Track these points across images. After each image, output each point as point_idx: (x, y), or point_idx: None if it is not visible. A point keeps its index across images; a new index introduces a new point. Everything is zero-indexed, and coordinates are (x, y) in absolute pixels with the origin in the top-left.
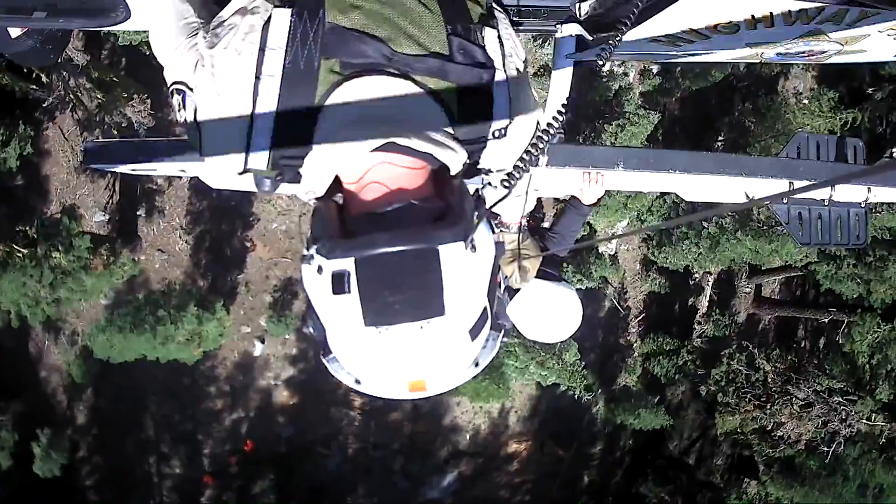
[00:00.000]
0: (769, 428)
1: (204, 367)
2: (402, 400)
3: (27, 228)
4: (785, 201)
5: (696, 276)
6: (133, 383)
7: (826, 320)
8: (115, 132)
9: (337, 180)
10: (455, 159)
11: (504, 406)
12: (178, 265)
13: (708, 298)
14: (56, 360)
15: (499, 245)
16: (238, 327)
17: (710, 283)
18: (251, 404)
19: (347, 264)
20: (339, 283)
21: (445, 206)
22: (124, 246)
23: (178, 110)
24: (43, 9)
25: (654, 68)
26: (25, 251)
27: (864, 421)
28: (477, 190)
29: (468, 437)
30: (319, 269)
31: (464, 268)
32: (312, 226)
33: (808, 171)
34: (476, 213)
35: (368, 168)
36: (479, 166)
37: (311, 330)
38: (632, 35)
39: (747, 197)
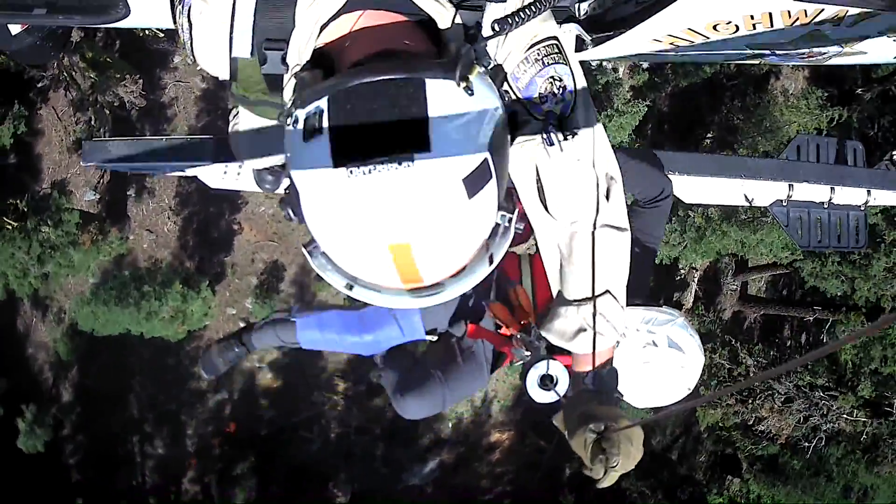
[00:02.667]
0: (750, 422)
1: (189, 348)
2: (401, 304)
3: (17, 202)
4: (784, 204)
5: (682, 271)
6: (119, 363)
7: (811, 319)
8: (108, 112)
9: (325, 56)
10: (441, 12)
11: (487, 395)
12: (166, 246)
13: (693, 294)
14: (43, 337)
15: (508, 110)
16: (223, 309)
17: (696, 279)
18: (235, 386)
19: (322, 104)
20: (310, 125)
21: (438, 52)
22: (113, 225)
23: (178, 17)
24: (43, 6)
25: (645, 63)
26: (15, 224)
27: (846, 416)
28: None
29: (450, 426)
30: (295, 121)
31: (455, 106)
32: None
33: (809, 173)
34: (476, 60)
35: (351, 26)
36: (481, 31)
37: (291, 212)
38: (632, 36)
39: (746, 199)
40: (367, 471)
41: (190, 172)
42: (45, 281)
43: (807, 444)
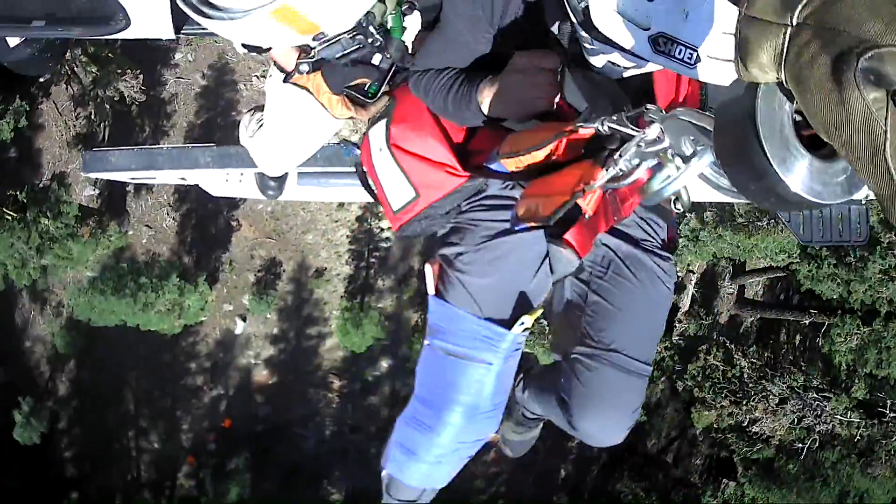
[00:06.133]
0: (745, 424)
1: (185, 343)
2: None
3: (17, 193)
4: None
5: (679, 273)
6: (115, 357)
7: (807, 322)
8: (108, 107)
9: None
10: None
11: None
12: (165, 241)
13: (690, 297)
14: (41, 331)
15: None
16: (220, 305)
17: (693, 282)
18: (230, 382)
19: None
20: None
21: None
22: (112, 219)
23: None
24: (42, 18)
25: None
26: (15, 215)
27: (839, 417)
28: None
29: None
30: None
31: None
32: None
33: None
34: None
35: None
36: None
37: None
38: None
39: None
40: (361, 469)
41: (191, 181)
42: (44, 274)
43: (800, 444)
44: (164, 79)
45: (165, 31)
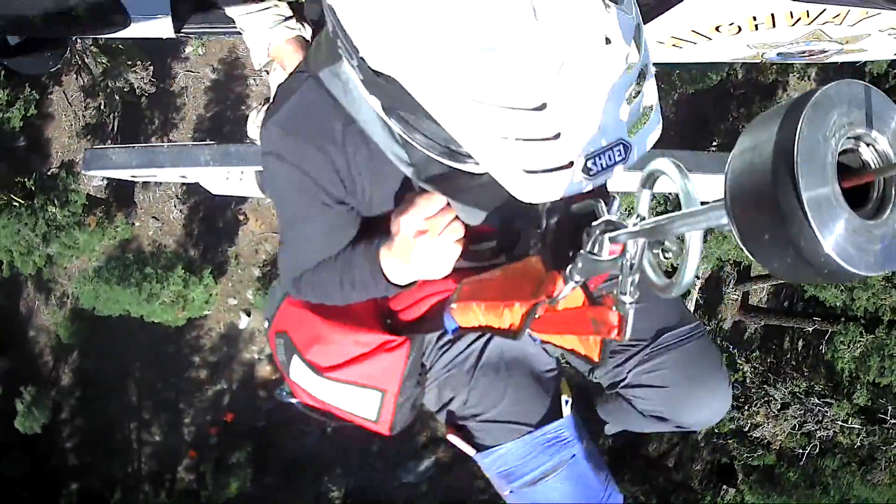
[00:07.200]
0: (746, 429)
1: (189, 336)
2: None
3: (25, 180)
4: None
5: None
6: (119, 349)
7: (810, 329)
8: (118, 98)
9: None
10: None
11: None
12: (171, 233)
13: (694, 303)
14: (45, 320)
15: None
16: (225, 299)
17: (697, 287)
18: (234, 376)
19: None
20: None
21: None
22: (119, 210)
23: None
24: (41, 16)
25: (652, 70)
26: (22, 201)
27: (840, 423)
28: None
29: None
30: None
31: None
32: None
33: None
34: None
35: None
36: None
37: None
38: None
39: None
40: (362, 467)
41: (192, 179)
42: (49, 262)
43: (801, 451)
44: (174, 72)
45: (165, 30)
